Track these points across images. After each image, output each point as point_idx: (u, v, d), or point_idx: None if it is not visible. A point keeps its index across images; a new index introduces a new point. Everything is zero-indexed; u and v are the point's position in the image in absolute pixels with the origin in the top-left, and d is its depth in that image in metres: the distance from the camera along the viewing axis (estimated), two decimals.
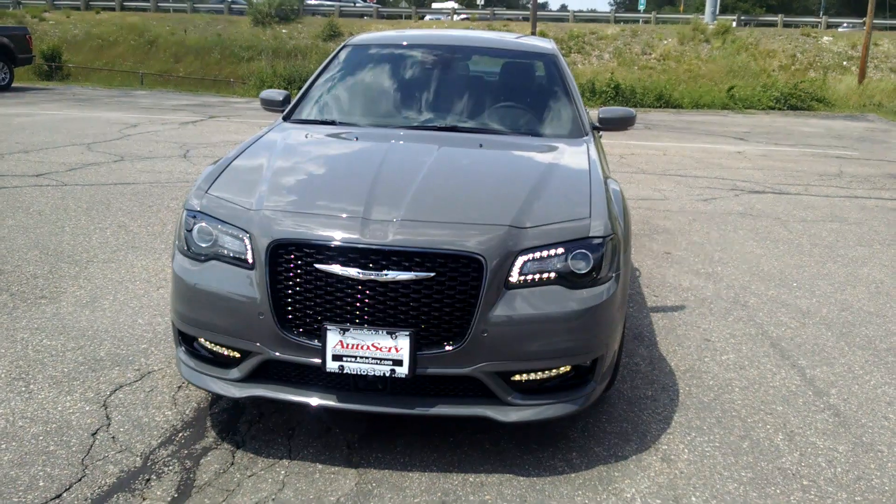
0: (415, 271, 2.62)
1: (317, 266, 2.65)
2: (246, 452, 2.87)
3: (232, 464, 2.79)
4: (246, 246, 2.78)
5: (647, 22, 29.90)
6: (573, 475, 2.81)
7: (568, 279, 2.77)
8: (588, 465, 2.87)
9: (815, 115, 18.50)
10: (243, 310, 2.72)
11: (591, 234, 2.82)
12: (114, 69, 24.16)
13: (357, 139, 3.75)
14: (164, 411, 3.14)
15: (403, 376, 2.63)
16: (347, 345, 2.62)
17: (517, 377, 2.75)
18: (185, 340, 2.98)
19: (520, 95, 4.29)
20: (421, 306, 2.64)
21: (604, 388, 3.01)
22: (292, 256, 2.69)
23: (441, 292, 2.64)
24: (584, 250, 2.79)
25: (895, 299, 4.96)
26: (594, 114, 4.35)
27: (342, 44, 4.70)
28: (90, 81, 22.38)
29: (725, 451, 3.03)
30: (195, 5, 30.30)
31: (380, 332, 2.61)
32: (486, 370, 2.67)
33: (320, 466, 2.79)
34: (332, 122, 4.05)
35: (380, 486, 2.68)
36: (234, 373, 2.82)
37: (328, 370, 2.65)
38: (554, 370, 2.79)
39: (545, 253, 2.75)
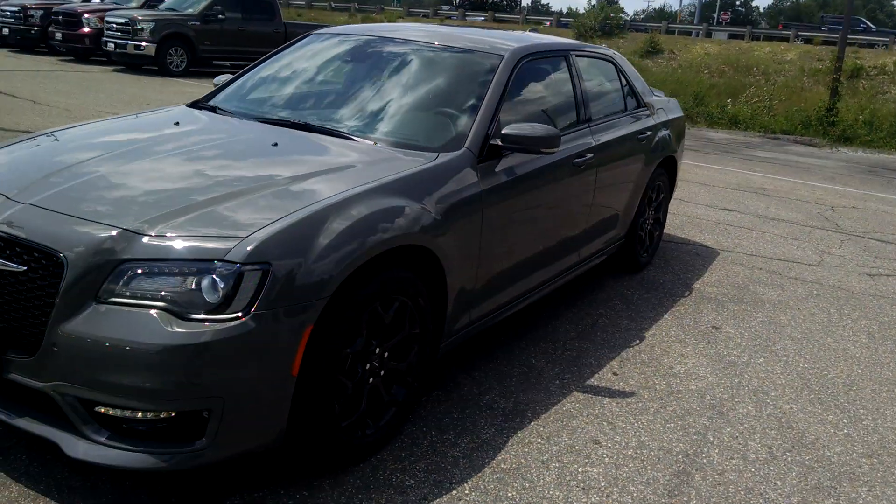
0: (8, 262, 2.48)
1: None
2: None
3: None
4: None
5: None
6: None
7: (184, 306, 2.35)
8: None
9: None
10: None
11: (226, 258, 2.38)
12: None
13: (178, 124, 3.70)
14: None
15: None
16: None
17: (102, 409, 2.40)
18: None
19: (416, 98, 3.81)
20: (13, 301, 2.48)
21: (236, 452, 2.51)
22: None
23: (30, 290, 2.46)
24: (213, 276, 2.37)
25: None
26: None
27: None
28: None
29: None
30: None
31: None
32: (61, 391, 2.39)
33: None
34: (214, 109, 4.00)
35: None
36: None
37: None
38: (151, 413, 2.38)
39: (165, 268, 2.40)
